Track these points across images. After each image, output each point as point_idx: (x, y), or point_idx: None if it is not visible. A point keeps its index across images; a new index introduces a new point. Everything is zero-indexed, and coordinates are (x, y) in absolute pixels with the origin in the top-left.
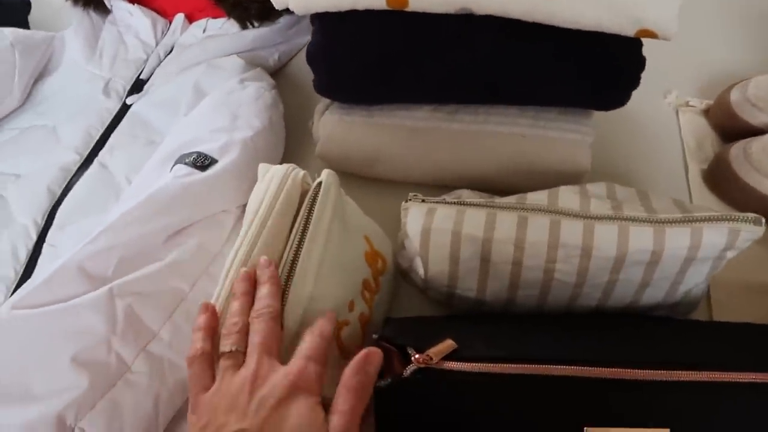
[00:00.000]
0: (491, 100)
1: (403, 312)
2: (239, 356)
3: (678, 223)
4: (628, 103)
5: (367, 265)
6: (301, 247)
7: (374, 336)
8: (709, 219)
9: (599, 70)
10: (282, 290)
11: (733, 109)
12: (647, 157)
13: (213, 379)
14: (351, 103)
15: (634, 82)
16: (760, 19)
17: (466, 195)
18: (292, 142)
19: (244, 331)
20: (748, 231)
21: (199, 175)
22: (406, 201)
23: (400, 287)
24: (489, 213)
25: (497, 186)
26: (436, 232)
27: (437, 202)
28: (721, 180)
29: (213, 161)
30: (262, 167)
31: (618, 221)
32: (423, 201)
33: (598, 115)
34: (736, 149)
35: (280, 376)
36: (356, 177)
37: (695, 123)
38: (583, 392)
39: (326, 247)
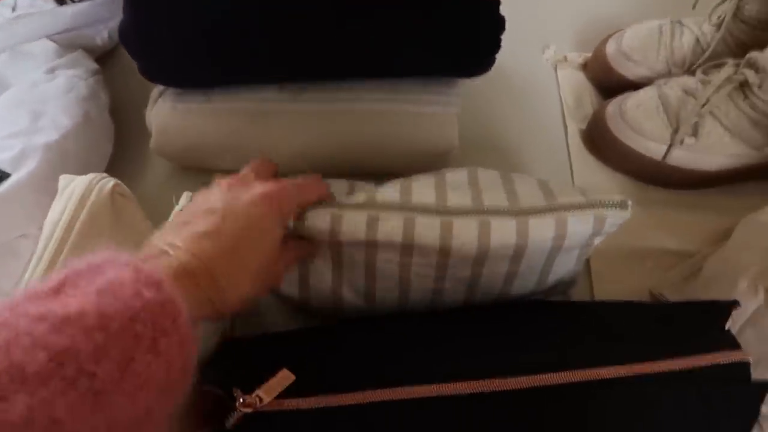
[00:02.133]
0: (340, 74)
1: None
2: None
3: (542, 212)
4: (505, 60)
5: None
6: None
7: (192, 380)
8: (574, 207)
9: (455, 33)
10: None
11: (608, 62)
12: (526, 118)
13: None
14: (181, 87)
15: (495, 45)
16: None
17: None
18: (129, 138)
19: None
20: (614, 216)
21: None
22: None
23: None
24: (334, 215)
25: (365, 169)
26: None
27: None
28: (599, 140)
29: (4, 176)
30: (63, 179)
31: (478, 215)
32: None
33: (484, 80)
34: (612, 107)
35: (261, 185)
36: (203, 171)
37: (574, 79)
38: (441, 411)
39: None
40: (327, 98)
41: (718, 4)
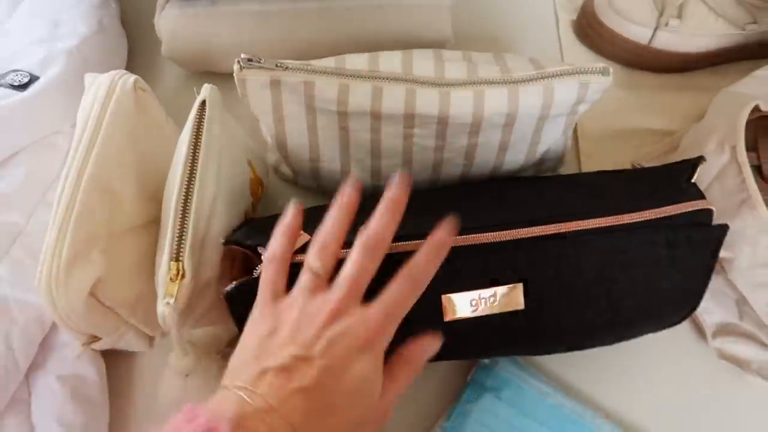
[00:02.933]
0: None
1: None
2: (322, 280)
3: (531, 81)
4: None
5: (249, 194)
6: (194, 177)
7: (221, 240)
8: (560, 74)
9: None
10: (181, 229)
11: None
12: (520, 11)
13: (285, 287)
14: None
15: None
16: None
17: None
18: (141, 44)
19: (335, 255)
20: (597, 82)
21: (18, 95)
22: (239, 66)
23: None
24: (341, 84)
25: None
26: (288, 106)
27: (278, 68)
28: (588, 28)
29: (34, 78)
30: (89, 77)
31: (473, 86)
32: (260, 66)
33: None
34: None
35: (360, 323)
36: (215, 75)
37: None
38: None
39: (219, 176)
40: None
41: None
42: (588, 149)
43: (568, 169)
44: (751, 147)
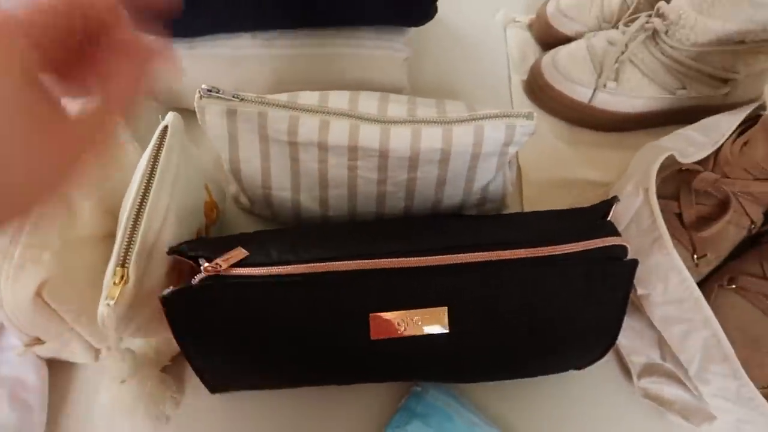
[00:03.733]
0: (305, 24)
1: None
2: None
3: (463, 121)
4: (461, 24)
5: (203, 216)
6: (148, 192)
7: (166, 249)
8: (490, 116)
9: None
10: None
11: (549, 20)
12: (475, 71)
13: None
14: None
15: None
16: None
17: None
18: None
19: None
20: (522, 125)
21: None
22: (200, 95)
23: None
24: (292, 116)
25: None
26: (243, 135)
27: (235, 98)
28: (536, 87)
29: None
30: None
31: (411, 123)
32: (218, 96)
33: (434, 38)
34: (547, 58)
35: None
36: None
37: (520, 37)
38: (366, 283)
39: (173, 194)
40: (294, 44)
41: None
42: (532, 196)
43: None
44: (675, 197)
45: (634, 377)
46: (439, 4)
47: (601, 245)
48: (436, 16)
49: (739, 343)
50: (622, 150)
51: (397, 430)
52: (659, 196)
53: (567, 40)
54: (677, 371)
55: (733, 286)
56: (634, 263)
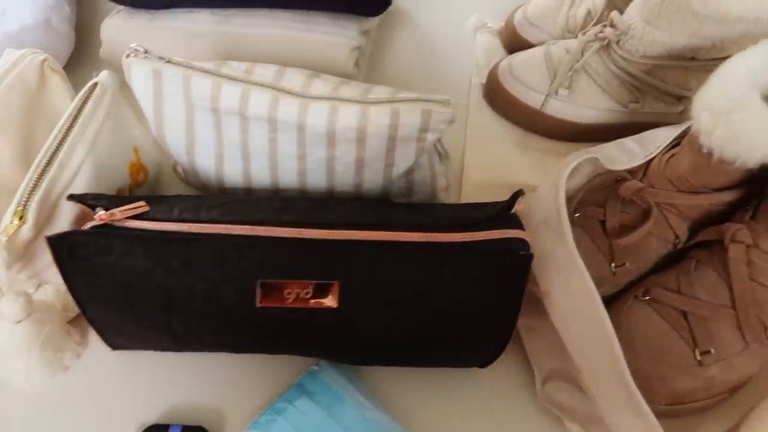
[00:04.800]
0: (263, 3)
1: None
2: None
3: (381, 103)
4: (434, 27)
5: (128, 176)
6: (64, 143)
7: (66, 196)
8: (407, 100)
9: None
10: (37, 181)
11: (516, 28)
12: (440, 73)
13: None
14: (134, 6)
15: None
16: None
17: None
18: (90, 48)
19: None
20: (439, 111)
21: None
22: (127, 54)
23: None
24: (214, 82)
25: None
26: (168, 98)
27: (161, 60)
28: (492, 92)
29: None
30: (7, 52)
31: (331, 101)
32: (145, 55)
33: (404, 36)
34: (505, 62)
35: None
36: None
37: (489, 43)
38: (256, 249)
39: (92, 148)
40: (251, 23)
41: None
42: (471, 195)
43: None
44: (604, 204)
45: (538, 382)
46: (414, 3)
47: (500, 237)
48: (410, 15)
49: (644, 354)
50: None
51: (286, 404)
52: (591, 203)
53: (532, 47)
54: (579, 377)
55: (647, 298)
56: (530, 257)
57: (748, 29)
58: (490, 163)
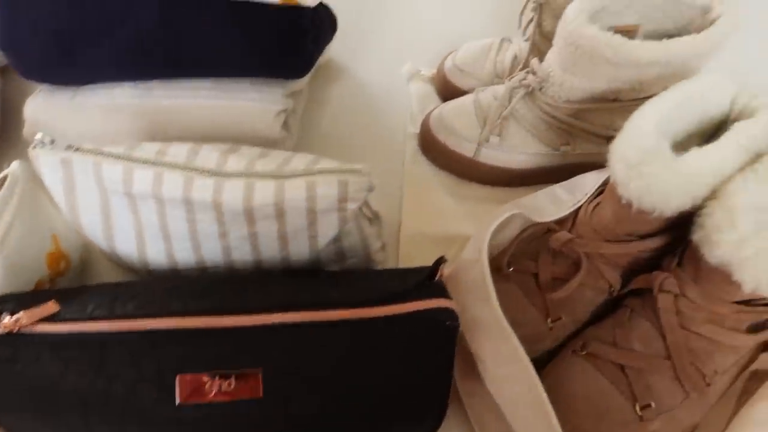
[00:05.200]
0: (178, 74)
1: None
2: None
3: (296, 176)
4: (369, 78)
5: (46, 266)
6: None
7: None
8: (323, 172)
9: (264, 39)
10: None
11: (446, 75)
12: (376, 125)
13: None
14: (50, 83)
15: (302, 49)
16: None
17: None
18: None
19: None
20: (355, 181)
21: None
22: (33, 146)
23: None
24: (126, 167)
25: None
26: (80, 186)
27: (69, 149)
28: (426, 143)
29: None
30: None
31: (246, 177)
32: (52, 145)
33: (338, 88)
34: (436, 112)
35: None
36: None
37: (423, 90)
38: (176, 343)
39: (1, 246)
40: (170, 95)
41: (528, 22)
42: (408, 251)
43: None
44: (536, 257)
45: None
46: (347, 53)
47: (426, 308)
48: (344, 67)
49: (584, 413)
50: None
51: None
52: (524, 256)
53: (463, 93)
54: None
55: (584, 353)
56: (456, 326)
57: (661, 71)
58: (426, 214)
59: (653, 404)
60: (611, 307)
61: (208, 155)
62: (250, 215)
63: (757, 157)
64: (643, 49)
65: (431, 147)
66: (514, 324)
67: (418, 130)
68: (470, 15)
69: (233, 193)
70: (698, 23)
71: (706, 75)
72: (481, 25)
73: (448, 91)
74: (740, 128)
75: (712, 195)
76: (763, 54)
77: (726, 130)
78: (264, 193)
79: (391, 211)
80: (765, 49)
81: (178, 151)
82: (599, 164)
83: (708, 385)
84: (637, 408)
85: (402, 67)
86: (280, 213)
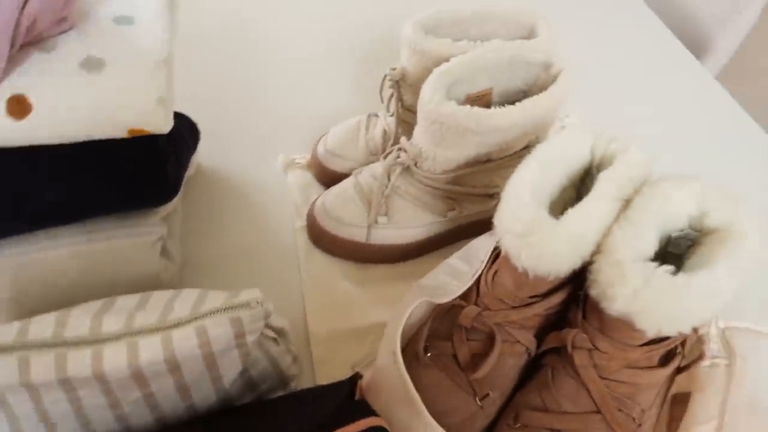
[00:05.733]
0: (31, 228)
1: None
2: None
3: (183, 324)
4: (244, 175)
5: None
6: None
7: None
8: (212, 313)
9: (120, 176)
10: None
11: (320, 160)
12: (264, 225)
13: None
14: None
15: (163, 175)
16: (363, 71)
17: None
18: None
19: None
20: (249, 315)
21: None
22: None
23: None
24: None
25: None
26: None
27: None
28: (316, 236)
29: None
30: None
31: (127, 337)
32: None
33: (217, 196)
34: (319, 202)
35: None
36: None
37: (302, 179)
38: None
39: None
40: (36, 249)
41: (389, 98)
42: (322, 356)
43: (305, 379)
44: (450, 336)
45: None
46: (216, 156)
47: (357, 430)
48: (217, 172)
49: None
50: (410, 279)
51: None
52: (439, 337)
53: (343, 176)
54: None
55: (518, 425)
56: None
57: (522, 129)
58: (334, 310)
59: None
60: (532, 366)
61: (79, 322)
62: (139, 377)
63: (626, 203)
64: (502, 116)
65: (322, 238)
66: (445, 413)
67: (305, 223)
68: (334, 94)
69: (115, 359)
70: (543, 78)
71: (564, 133)
72: (346, 103)
73: (326, 176)
74: (604, 179)
75: (597, 249)
76: (608, 94)
77: (592, 176)
78: (150, 351)
79: (296, 313)
80: (607, 88)
81: (42, 327)
82: (488, 220)
83: (639, 425)
84: None
85: (276, 159)
86: (173, 367)
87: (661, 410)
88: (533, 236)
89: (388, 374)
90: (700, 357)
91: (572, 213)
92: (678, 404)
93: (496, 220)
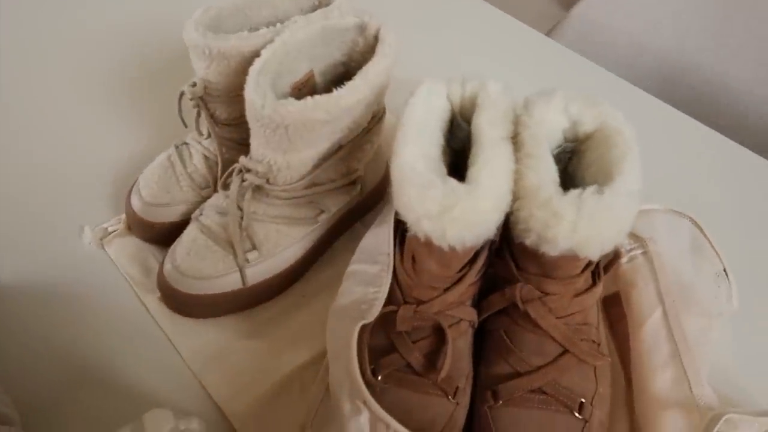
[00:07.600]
0: None
1: None
2: None
3: None
4: (48, 277)
5: None
6: None
7: None
8: None
9: None
10: None
11: (141, 217)
12: (90, 328)
13: None
14: None
15: None
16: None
17: None
18: None
19: None
20: None
21: None
22: None
23: None
24: None
25: None
26: None
27: None
28: (180, 306)
29: None
30: None
31: None
32: None
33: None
34: (167, 265)
35: None
36: None
37: (128, 248)
38: None
39: None
40: None
41: (197, 118)
42: (247, 428)
43: None
44: (393, 347)
45: None
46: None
47: None
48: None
49: None
50: (308, 300)
51: None
52: (379, 354)
53: (177, 226)
54: None
55: (501, 402)
56: None
57: (368, 101)
58: (233, 376)
59: (584, 399)
60: (477, 336)
61: None
62: None
63: (515, 140)
64: (348, 94)
65: (186, 305)
66: (427, 428)
67: (157, 295)
68: (122, 136)
69: None
70: (362, 43)
71: (419, 90)
72: (141, 140)
73: (155, 234)
74: (483, 123)
75: (514, 196)
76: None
77: (459, 125)
78: None
79: (201, 403)
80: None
81: None
82: (355, 208)
83: (599, 344)
84: (576, 414)
85: (79, 238)
86: None
87: (599, 319)
88: (454, 210)
89: (363, 426)
90: (617, 256)
91: (476, 170)
92: (611, 306)
93: (401, 209)
